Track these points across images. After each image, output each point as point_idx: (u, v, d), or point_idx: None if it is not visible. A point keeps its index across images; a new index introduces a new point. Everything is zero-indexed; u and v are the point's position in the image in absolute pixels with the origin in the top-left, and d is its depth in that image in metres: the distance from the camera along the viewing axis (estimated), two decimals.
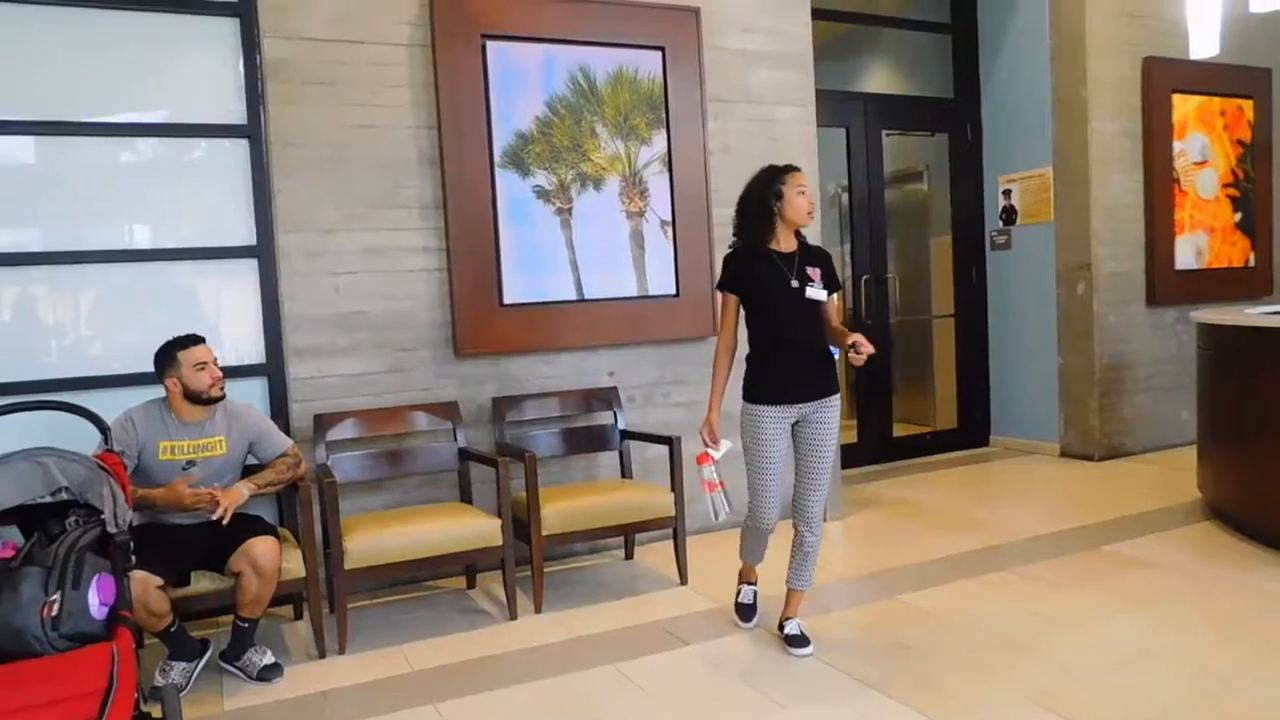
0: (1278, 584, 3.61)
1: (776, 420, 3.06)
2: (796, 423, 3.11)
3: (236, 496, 3.15)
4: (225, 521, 3.08)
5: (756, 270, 3.08)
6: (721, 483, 3.18)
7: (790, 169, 3.09)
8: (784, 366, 3.07)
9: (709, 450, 3.17)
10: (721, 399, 3.18)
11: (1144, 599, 3.51)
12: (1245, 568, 3.82)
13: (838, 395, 3.15)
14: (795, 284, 3.05)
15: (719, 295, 3.23)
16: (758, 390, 3.09)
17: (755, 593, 3.42)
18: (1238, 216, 6.59)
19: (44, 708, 1.94)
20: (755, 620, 3.40)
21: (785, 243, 3.11)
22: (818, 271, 3.10)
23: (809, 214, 3.08)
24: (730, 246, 3.21)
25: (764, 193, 3.08)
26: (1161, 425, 6.28)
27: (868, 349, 2.91)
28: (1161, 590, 3.60)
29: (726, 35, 4.72)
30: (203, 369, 3.17)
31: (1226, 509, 4.43)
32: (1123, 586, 3.66)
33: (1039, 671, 2.90)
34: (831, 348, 3.19)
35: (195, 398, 3.17)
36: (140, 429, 3.14)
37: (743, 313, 3.18)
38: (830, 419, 3.12)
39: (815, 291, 3.07)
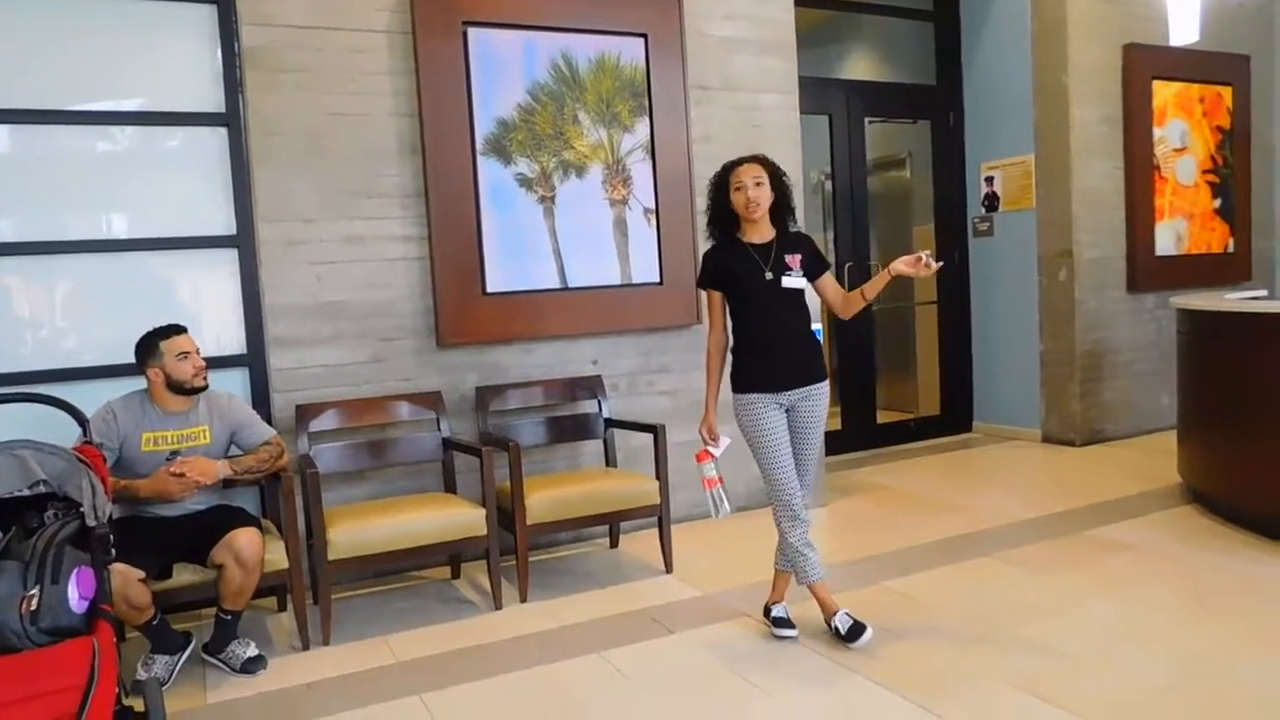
0: (1256, 566, 3.65)
1: (770, 404, 3.05)
2: (788, 410, 3.10)
3: (210, 466, 3.12)
4: (188, 490, 3.09)
5: (731, 265, 3.08)
6: (720, 479, 3.17)
7: (738, 163, 3.07)
8: (769, 356, 3.07)
9: (709, 448, 3.16)
10: (717, 397, 3.16)
11: (1125, 582, 3.54)
12: (1224, 550, 3.86)
13: (825, 382, 3.14)
14: (770, 275, 3.04)
15: (703, 293, 3.23)
16: (746, 380, 3.08)
17: (848, 613, 3.10)
18: (1217, 203, 6.64)
19: (24, 703, 1.92)
20: (870, 631, 3.05)
21: (758, 234, 3.10)
22: (797, 259, 3.07)
23: (747, 208, 3.02)
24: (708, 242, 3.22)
25: (718, 192, 3.11)
26: (1142, 410, 6.33)
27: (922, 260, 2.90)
28: (1142, 574, 3.63)
29: (709, 22, 4.70)
30: (185, 359, 3.14)
31: (1206, 492, 4.47)
32: (1104, 570, 3.69)
33: (1021, 655, 2.92)
34: (815, 329, 3.18)
35: (178, 388, 3.14)
36: (121, 420, 3.11)
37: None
38: (818, 406, 3.12)
39: (793, 280, 3.05)
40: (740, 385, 3.10)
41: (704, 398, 3.18)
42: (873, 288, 3.07)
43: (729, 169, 3.09)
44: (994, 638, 3.08)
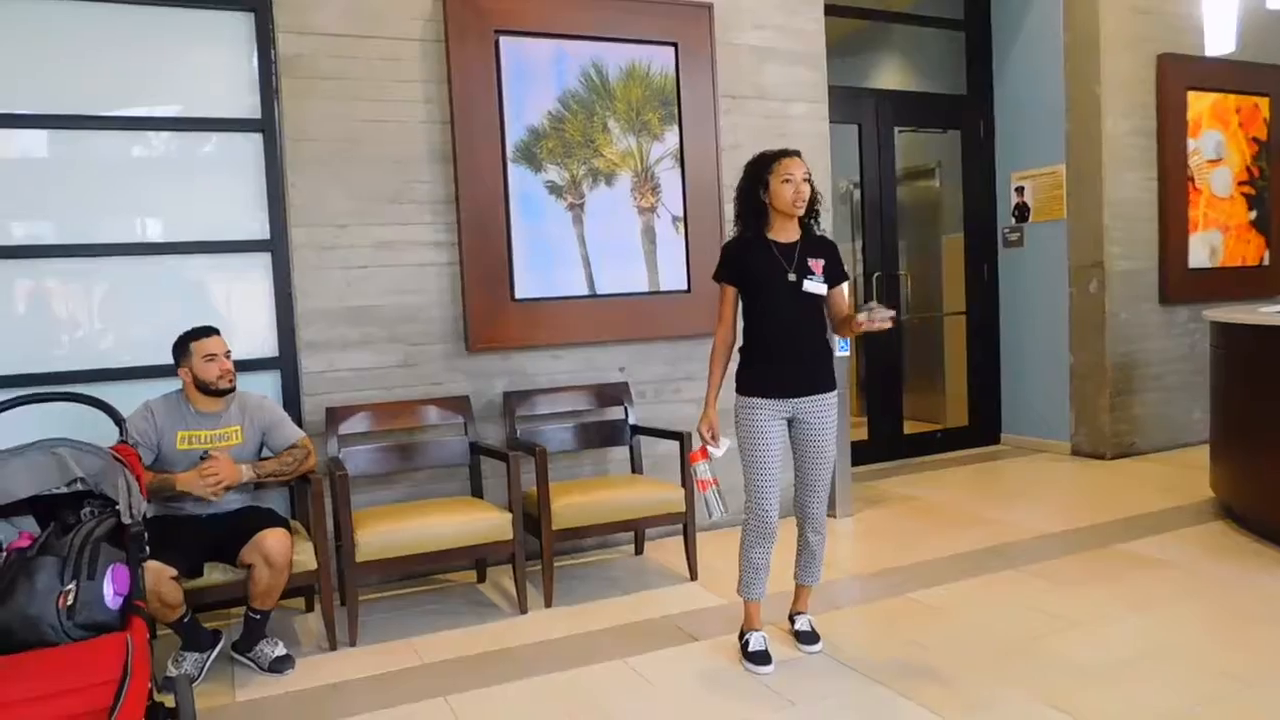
0: None
1: (771, 413, 2.96)
2: (792, 420, 3.01)
3: (233, 470, 3.14)
4: (218, 492, 3.09)
5: (752, 261, 2.98)
6: (715, 480, 3.09)
7: (781, 155, 2.96)
8: (777, 360, 2.97)
9: (708, 448, 3.06)
10: (718, 395, 3.06)
11: (1154, 598, 3.50)
12: (1257, 568, 3.80)
13: (834, 393, 3.05)
14: (793, 277, 2.94)
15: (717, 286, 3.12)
16: (750, 383, 2.99)
17: (764, 638, 3.07)
18: (1252, 215, 6.55)
19: (59, 697, 1.95)
20: (773, 665, 2.99)
21: (784, 233, 3.00)
22: (820, 264, 2.98)
23: (795, 203, 2.93)
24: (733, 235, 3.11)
25: (752, 183, 3.00)
26: (1173, 424, 6.25)
27: (884, 313, 2.82)
28: (1172, 590, 3.59)
29: (739, 31, 4.72)
30: (211, 360, 3.19)
31: (1239, 509, 4.41)
32: (1133, 586, 3.65)
33: (1048, 670, 2.90)
34: (841, 340, 3.12)
35: (204, 388, 3.20)
36: (159, 419, 3.18)
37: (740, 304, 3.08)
38: (826, 417, 3.01)
39: (814, 284, 2.95)
40: (744, 388, 3.01)
41: (707, 396, 3.06)
42: (849, 328, 3.02)
43: (772, 159, 2.97)
44: (1021, 652, 3.05)
